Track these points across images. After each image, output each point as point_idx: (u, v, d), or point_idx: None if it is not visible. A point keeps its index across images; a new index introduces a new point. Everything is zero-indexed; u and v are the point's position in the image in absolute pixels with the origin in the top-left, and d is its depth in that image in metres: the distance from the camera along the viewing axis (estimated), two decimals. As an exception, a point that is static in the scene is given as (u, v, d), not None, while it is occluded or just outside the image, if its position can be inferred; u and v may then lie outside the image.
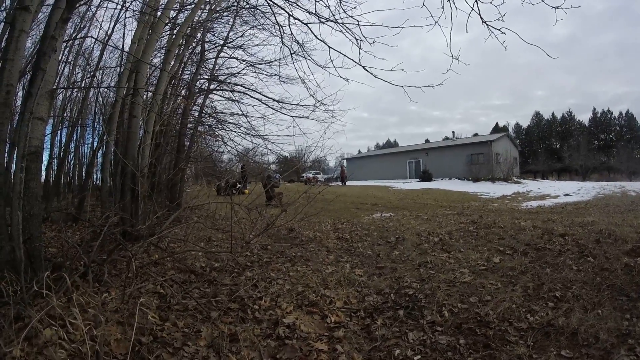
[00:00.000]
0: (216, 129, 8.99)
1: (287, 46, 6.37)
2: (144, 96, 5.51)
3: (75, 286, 2.56)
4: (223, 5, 7.52)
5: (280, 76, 8.07)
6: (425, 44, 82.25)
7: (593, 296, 3.10)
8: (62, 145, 9.98)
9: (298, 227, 6.30)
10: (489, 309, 2.94)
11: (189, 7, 6.94)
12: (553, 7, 3.28)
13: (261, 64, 8.46)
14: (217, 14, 7.68)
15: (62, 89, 8.46)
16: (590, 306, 2.91)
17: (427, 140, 48.32)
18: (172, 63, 6.55)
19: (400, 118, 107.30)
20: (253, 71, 8.64)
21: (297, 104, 7.93)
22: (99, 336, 2.11)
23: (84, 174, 10.39)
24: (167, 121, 6.43)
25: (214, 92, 8.91)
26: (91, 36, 7.34)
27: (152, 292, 3.03)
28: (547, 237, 4.96)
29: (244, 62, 8.67)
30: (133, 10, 6.60)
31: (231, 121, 8.80)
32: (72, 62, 8.87)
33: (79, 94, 9.87)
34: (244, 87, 8.55)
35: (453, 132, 39.02)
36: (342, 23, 4.63)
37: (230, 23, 8.04)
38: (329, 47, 4.84)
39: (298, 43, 6.03)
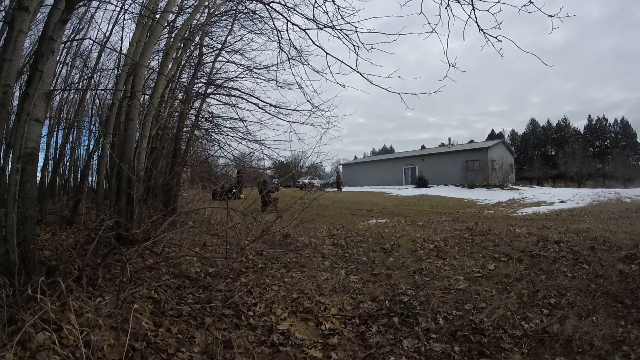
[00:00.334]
0: (213, 133, 8.99)
1: (284, 51, 6.41)
2: (141, 99, 5.49)
3: (69, 290, 2.53)
4: (222, 9, 7.55)
5: (277, 81, 8.04)
6: (423, 49, 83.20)
7: (588, 303, 3.12)
8: (58, 147, 9.99)
9: (293, 232, 6.28)
10: (484, 316, 2.95)
11: (187, 10, 6.98)
12: (549, 16, 3.33)
13: (258, 68, 8.47)
14: (216, 18, 7.71)
15: (59, 91, 8.44)
16: (585, 313, 2.93)
17: (423, 147, 48.67)
18: (170, 66, 6.55)
19: (396, 124, 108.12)
20: (250, 76, 8.64)
21: (294, 109, 7.91)
22: (93, 342, 2.08)
23: (79, 177, 10.36)
24: (164, 125, 6.42)
25: (211, 96, 8.89)
26: (89, 38, 7.38)
27: (146, 297, 3.00)
28: (542, 244, 4.99)
29: (241, 67, 8.68)
30: (132, 12, 6.63)
31: (228, 125, 8.79)
32: (69, 64, 8.87)
33: (76, 96, 9.86)
34: (241, 91, 8.53)
35: (449, 139, 39.34)
36: (340, 29, 4.64)
37: (229, 27, 8.06)
38: (327, 53, 4.87)
39: (296, 48, 6.05)
